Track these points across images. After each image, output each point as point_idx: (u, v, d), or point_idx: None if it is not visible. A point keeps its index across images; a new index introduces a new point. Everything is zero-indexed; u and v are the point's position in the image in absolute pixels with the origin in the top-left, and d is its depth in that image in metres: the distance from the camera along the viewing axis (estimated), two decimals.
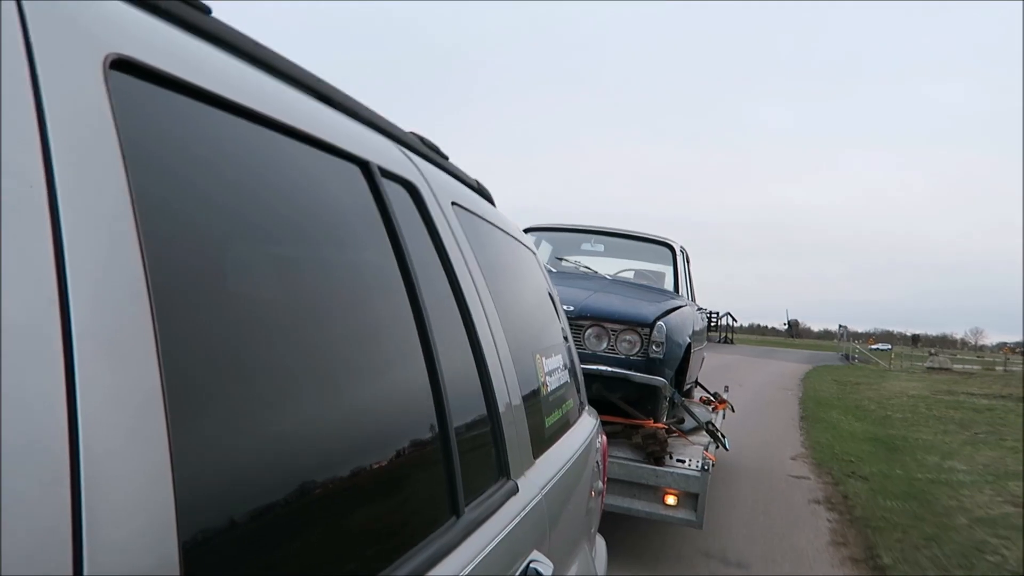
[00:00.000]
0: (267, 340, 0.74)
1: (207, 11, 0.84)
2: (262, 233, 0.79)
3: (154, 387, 0.53)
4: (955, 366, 38.66)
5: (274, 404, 0.72)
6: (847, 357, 42.01)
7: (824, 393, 17.11)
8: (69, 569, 0.44)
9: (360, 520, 0.85)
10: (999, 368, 39.37)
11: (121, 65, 0.61)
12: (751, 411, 11.07)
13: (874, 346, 67.70)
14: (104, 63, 0.58)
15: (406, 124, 1.42)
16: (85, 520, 0.45)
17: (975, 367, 41.34)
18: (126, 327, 0.52)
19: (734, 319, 7.03)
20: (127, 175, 0.56)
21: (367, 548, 0.85)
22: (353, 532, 0.83)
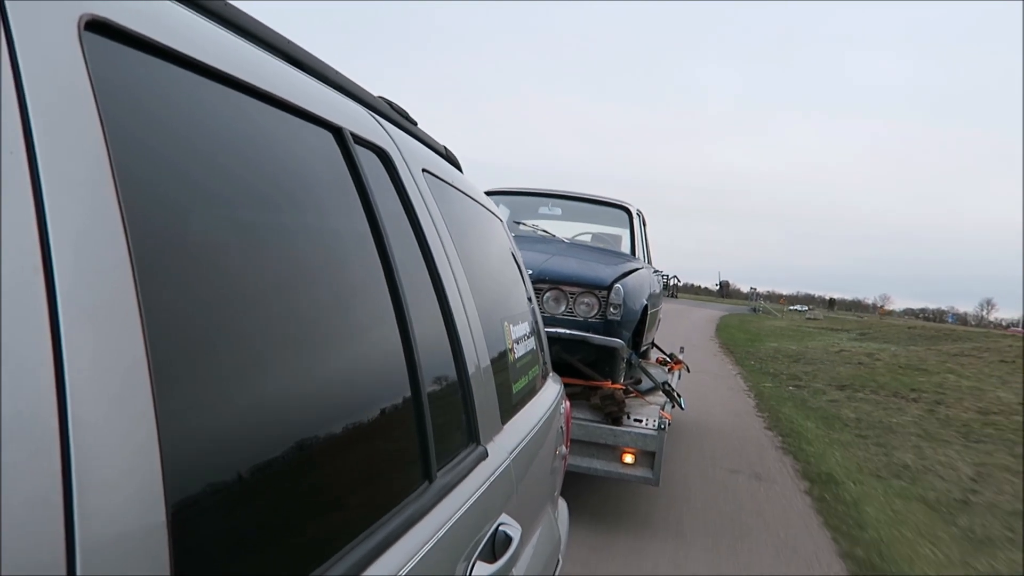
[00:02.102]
0: (244, 306, 0.73)
1: None
2: (239, 198, 0.78)
3: (139, 353, 0.52)
4: (823, 318, 62.91)
5: (250, 371, 0.72)
6: (755, 310, 66.44)
7: (731, 324, 33.31)
8: (61, 536, 0.44)
9: (337, 486, 0.86)
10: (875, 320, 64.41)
11: (95, 27, 0.59)
12: (693, 327, 25.42)
13: (792, 307, 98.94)
14: (79, 24, 0.56)
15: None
16: (75, 487, 0.45)
17: (858, 319, 69.54)
18: (110, 293, 0.51)
19: (679, 280, 7.92)
20: (106, 139, 0.55)
21: (345, 513, 0.86)
22: (331, 497, 0.84)
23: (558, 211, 6.16)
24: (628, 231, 6.04)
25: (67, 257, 0.49)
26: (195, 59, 0.72)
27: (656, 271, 6.55)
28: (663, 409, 4.51)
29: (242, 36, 0.91)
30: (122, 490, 0.49)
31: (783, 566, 3.88)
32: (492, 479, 1.32)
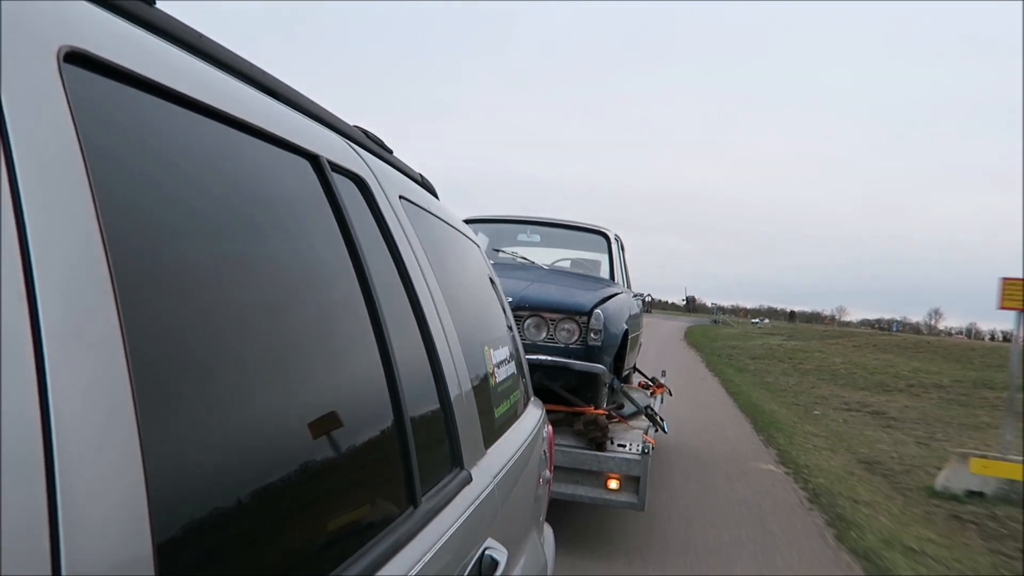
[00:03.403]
0: (227, 334, 0.73)
1: (151, 2, 0.83)
2: (219, 226, 0.78)
3: (123, 382, 0.52)
4: (769, 326, 79.09)
5: (235, 399, 0.72)
6: (715, 321, 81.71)
7: (695, 331, 47.11)
8: (48, 568, 0.44)
9: (324, 511, 0.86)
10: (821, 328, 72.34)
11: (74, 58, 0.60)
12: (668, 334, 38.36)
13: (754, 320, 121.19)
14: (58, 56, 0.57)
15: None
16: (61, 518, 0.45)
17: (793, 326, 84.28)
18: (94, 322, 0.51)
19: (652, 297, 8.93)
20: (87, 170, 0.55)
21: (332, 538, 0.85)
22: (318, 523, 0.83)
23: (536, 238, 6.20)
24: (607, 256, 6.09)
25: (51, 286, 0.49)
26: (173, 89, 0.73)
27: (636, 295, 6.59)
28: (646, 433, 4.51)
29: (218, 67, 0.92)
30: (108, 519, 0.49)
31: (703, 391, 13.11)
32: (477, 503, 1.31)
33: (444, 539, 1.11)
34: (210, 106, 0.79)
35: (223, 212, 0.80)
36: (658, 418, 5.05)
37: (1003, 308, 6.84)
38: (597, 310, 4.42)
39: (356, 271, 1.10)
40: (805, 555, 4.55)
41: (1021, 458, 6.41)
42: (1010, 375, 7.52)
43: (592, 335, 4.36)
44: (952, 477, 6.55)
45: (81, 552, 0.46)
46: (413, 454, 1.10)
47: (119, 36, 0.68)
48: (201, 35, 0.93)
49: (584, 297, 4.62)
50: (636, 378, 7.08)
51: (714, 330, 52.88)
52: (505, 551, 1.35)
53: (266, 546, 0.72)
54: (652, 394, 6.28)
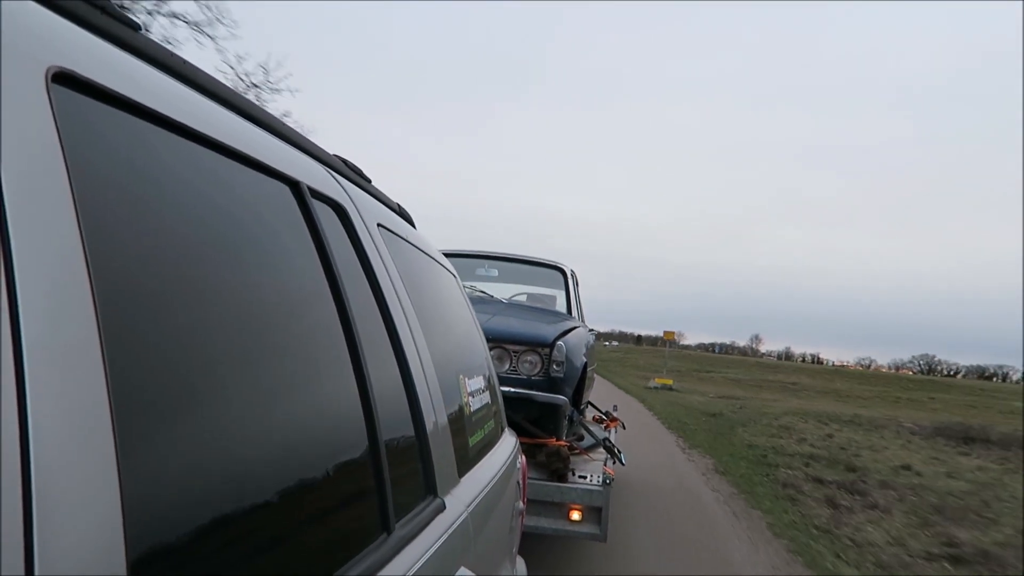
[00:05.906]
0: (203, 356, 0.74)
1: (137, 27, 0.84)
2: (201, 247, 0.79)
3: (102, 398, 0.53)
4: (617, 346, 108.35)
5: (211, 422, 0.72)
6: None
7: None
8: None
9: (296, 536, 0.85)
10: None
11: (62, 78, 0.61)
12: None
13: (606, 343, 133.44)
14: (47, 76, 0.58)
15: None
16: (36, 529, 0.45)
17: (632, 347, 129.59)
18: (75, 337, 0.52)
19: None
20: (71, 185, 0.56)
21: (304, 562, 0.85)
22: (289, 548, 0.83)
23: (495, 272, 6.24)
24: (563, 291, 6.16)
25: (33, 300, 0.49)
26: (157, 111, 0.74)
27: (590, 329, 6.65)
28: (605, 465, 4.53)
29: (202, 92, 0.93)
30: (83, 533, 0.49)
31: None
32: (450, 531, 1.30)
33: (417, 566, 1.10)
34: (193, 129, 0.81)
35: (204, 233, 0.81)
36: (616, 449, 5.08)
37: (664, 338, 36.87)
38: (560, 342, 4.45)
39: (334, 296, 1.10)
40: (604, 391, 14.46)
41: (665, 379, 31.20)
42: (664, 358, 42.34)
43: (554, 367, 4.38)
44: (651, 384, 30.40)
45: (55, 565, 0.46)
46: (387, 480, 1.10)
47: (105, 59, 0.70)
48: (185, 61, 0.94)
49: (547, 329, 4.65)
50: (590, 412, 7.09)
51: None
52: None
53: (239, 569, 0.71)
54: (606, 428, 6.32)
